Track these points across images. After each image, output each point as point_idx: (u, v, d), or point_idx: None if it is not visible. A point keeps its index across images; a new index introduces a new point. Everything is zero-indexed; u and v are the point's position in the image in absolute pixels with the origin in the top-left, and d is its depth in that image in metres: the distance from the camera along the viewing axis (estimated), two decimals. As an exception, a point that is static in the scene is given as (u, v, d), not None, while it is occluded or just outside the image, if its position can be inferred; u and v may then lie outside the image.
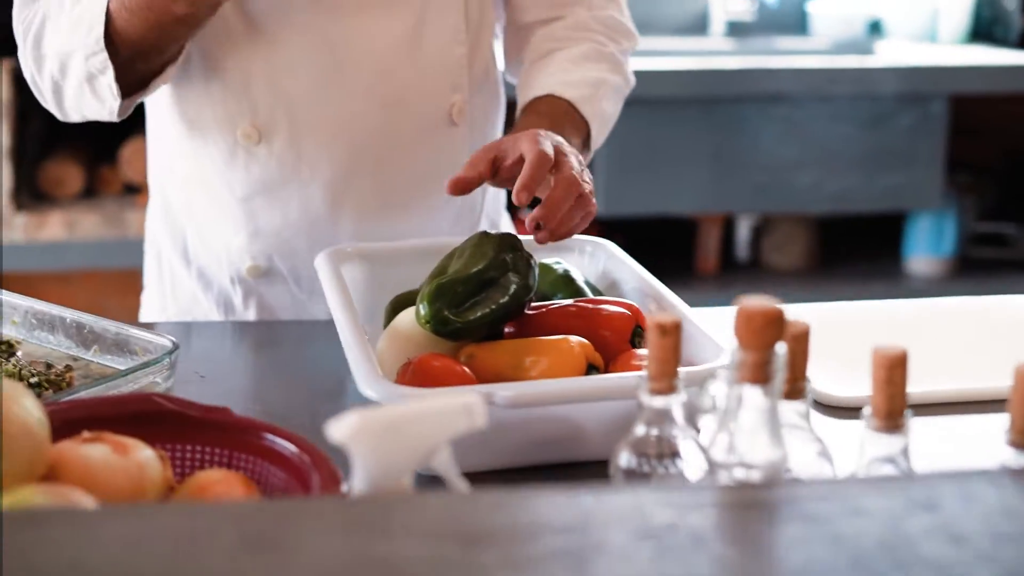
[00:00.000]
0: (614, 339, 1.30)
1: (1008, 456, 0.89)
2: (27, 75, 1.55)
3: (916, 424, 0.93)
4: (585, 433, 1.20)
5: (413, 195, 1.60)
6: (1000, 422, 0.91)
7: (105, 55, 1.43)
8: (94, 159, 3.39)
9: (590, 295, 1.43)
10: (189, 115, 1.59)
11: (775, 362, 0.87)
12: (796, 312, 1.48)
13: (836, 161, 3.47)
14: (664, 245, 3.69)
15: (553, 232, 1.31)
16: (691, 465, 0.96)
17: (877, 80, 3.41)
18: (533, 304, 1.36)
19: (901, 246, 3.76)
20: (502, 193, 1.76)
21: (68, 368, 1.35)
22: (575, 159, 1.36)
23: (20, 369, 1.32)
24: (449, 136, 1.59)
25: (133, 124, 3.37)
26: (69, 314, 1.43)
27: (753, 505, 0.77)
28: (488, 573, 0.68)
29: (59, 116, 1.57)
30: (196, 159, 1.61)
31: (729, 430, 0.90)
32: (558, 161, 1.33)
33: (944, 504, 0.75)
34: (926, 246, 3.71)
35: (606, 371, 1.27)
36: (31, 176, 3.31)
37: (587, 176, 1.36)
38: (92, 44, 1.43)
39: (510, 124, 1.62)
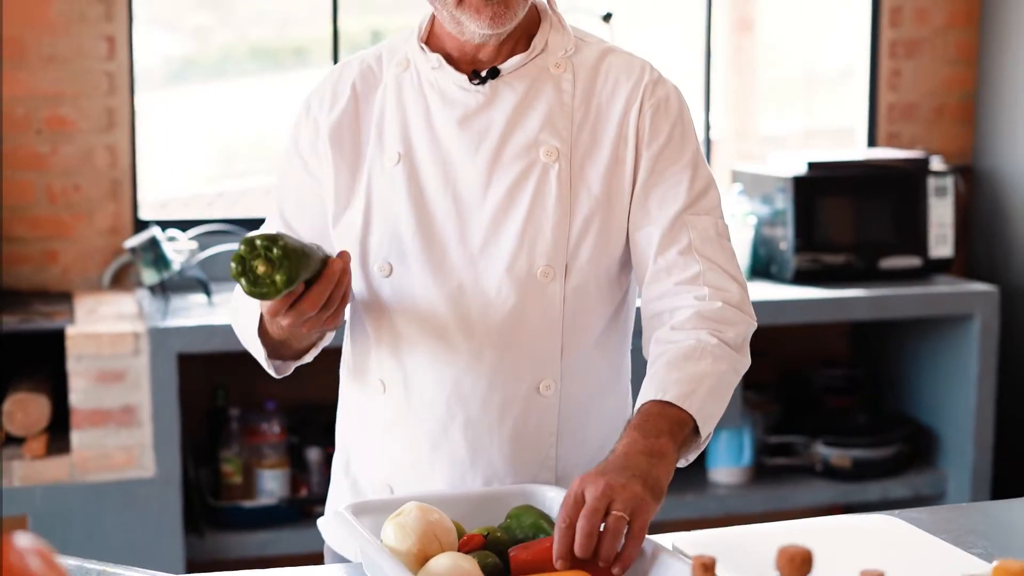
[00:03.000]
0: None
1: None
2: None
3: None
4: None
5: (500, 452, 1.90)
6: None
7: (259, 344, 1.93)
8: (-25, 414, 3.58)
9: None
10: (350, 365, 2.03)
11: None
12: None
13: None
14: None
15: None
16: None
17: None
18: (532, 543, 1.72)
19: (705, 458, 4.24)
20: (581, 456, 1.98)
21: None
22: (612, 482, 1.60)
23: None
24: (537, 405, 1.91)
25: (9, 383, 3.59)
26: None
27: None
28: None
29: None
30: (352, 397, 2.04)
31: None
32: (583, 493, 1.61)
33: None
34: (727, 458, 4.20)
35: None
36: (-85, 433, 3.47)
37: (624, 499, 1.58)
38: (252, 335, 1.93)
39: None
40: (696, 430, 1.77)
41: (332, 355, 2.15)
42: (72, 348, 3.45)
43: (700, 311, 1.85)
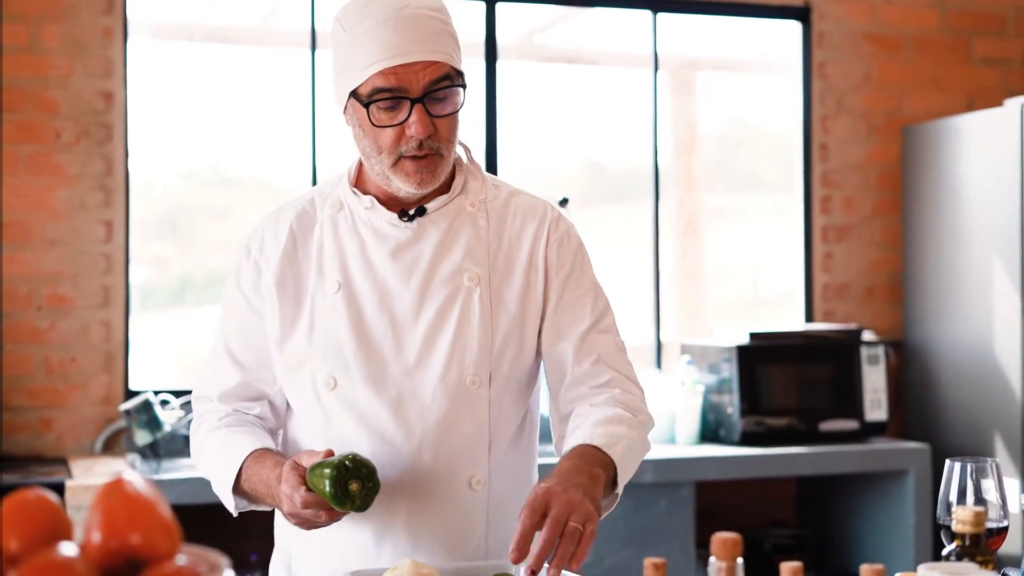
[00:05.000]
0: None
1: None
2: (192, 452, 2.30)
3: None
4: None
5: (439, 541, 2.13)
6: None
7: (231, 499, 2.17)
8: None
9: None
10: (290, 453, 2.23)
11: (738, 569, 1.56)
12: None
13: (610, 540, 4.21)
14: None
15: (547, 570, 1.82)
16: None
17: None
18: None
19: (663, 613, 4.47)
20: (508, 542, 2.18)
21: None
22: (572, 497, 1.85)
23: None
24: (470, 498, 2.16)
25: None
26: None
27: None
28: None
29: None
30: None
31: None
32: (549, 503, 1.84)
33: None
34: (684, 612, 4.44)
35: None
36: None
37: (581, 513, 1.84)
38: (226, 489, 2.16)
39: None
40: (613, 481, 2.05)
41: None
42: (71, 499, 3.70)
43: (615, 397, 2.15)
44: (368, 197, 2.18)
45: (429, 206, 2.19)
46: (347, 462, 1.97)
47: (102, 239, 4.38)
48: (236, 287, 2.22)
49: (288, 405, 2.24)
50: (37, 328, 4.33)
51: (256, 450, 2.15)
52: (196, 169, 5.61)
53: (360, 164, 2.23)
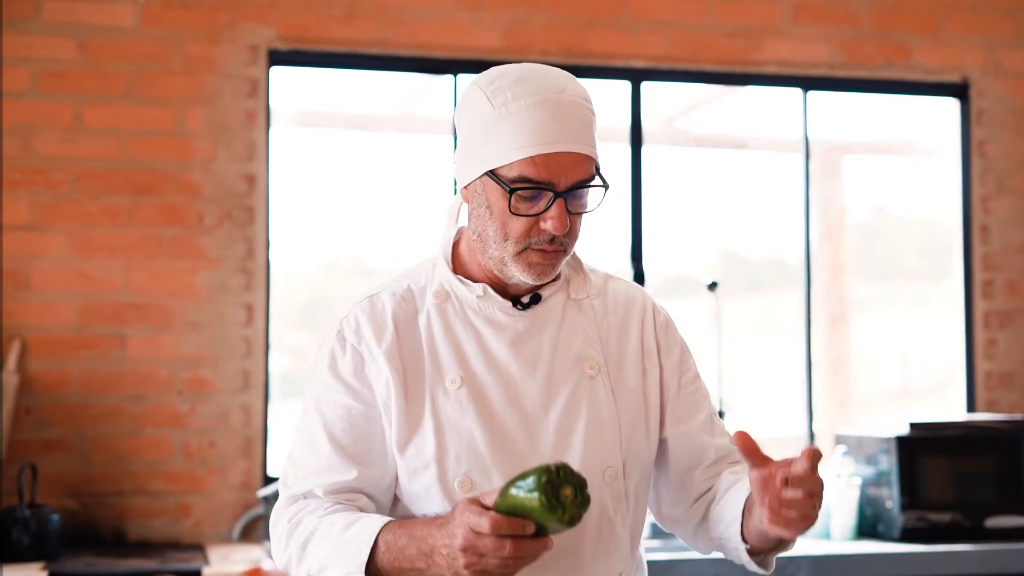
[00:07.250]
0: None
1: None
2: (281, 561, 2.00)
3: None
4: None
5: None
6: None
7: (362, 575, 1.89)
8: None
9: None
10: None
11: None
12: None
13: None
14: None
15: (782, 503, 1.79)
16: None
17: None
18: None
19: None
20: None
21: None
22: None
23: None
24: None
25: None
26: None
27: None
28: None
29: None
30: None
31: None
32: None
33: None
34: None
35: None
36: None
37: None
38: (355, 568, 1.88)
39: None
40: None
41: None
42: (208, 588, 3.62)
43: None
44: (480, 285, 2.04)
45: (544, 293, 2.08)
46: (555, 467, 1.75)
47: (243, 323, 4.33)
48: (333, 376, 2.03)
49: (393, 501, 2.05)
50: (177, 412, 4.28)
51: (391, 521, 1.93)
52: (337, 260, 5.58)
53: (455, 248, 2.10)
